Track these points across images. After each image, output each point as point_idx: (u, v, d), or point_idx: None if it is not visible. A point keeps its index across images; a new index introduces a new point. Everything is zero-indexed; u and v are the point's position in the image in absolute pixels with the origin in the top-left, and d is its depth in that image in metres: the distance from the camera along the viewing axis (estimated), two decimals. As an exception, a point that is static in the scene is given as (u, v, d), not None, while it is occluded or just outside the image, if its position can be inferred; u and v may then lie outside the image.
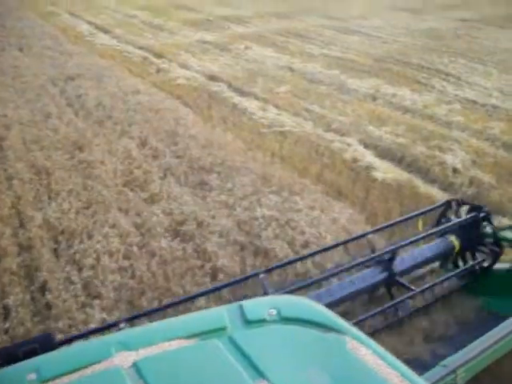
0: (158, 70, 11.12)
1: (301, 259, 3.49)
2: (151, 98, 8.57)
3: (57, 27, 15.74)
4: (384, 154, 7.02)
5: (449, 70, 11.52)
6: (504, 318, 2.81)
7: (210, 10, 19.35)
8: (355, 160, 6.72)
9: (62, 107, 8.17)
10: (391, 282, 3.30)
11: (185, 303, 2.95)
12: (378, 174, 6.28)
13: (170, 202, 5.23)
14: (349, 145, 7.26)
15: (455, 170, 6.63)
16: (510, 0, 24.90)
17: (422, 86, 10.37)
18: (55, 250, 4.55)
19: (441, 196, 5.67)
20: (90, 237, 4.65)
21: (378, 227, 3.68)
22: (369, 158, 6.83)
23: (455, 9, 21.01)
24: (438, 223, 3.76)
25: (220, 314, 1.30)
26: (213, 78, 10.48)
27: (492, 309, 3.41)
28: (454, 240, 3.61)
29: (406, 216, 3.84)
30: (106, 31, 15.44)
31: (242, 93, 9.55)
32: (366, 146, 7.23)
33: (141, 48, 13.16)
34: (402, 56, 12.76)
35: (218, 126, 7.74)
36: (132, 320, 2.65)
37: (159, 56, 12.31)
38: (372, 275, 3.26)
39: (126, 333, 1.52)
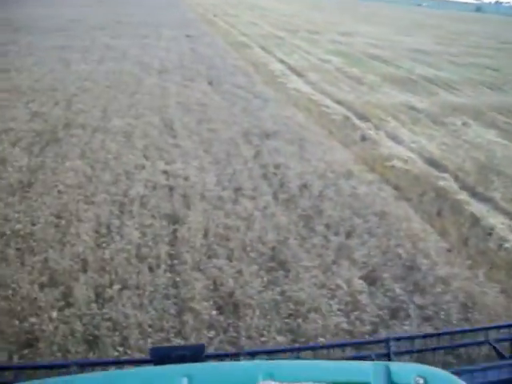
0: (364, 138, 8.80)
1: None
2: (369, 188, 6.21)
3: (248, 61, 14.12)
4: None
5: None
6: None
7: (409, 66, 16.86)
8: None
9: (256, 180, 6.08)
10: None
11: None
12: None
13: None
14: None
15: None
16: None
17: None
18: None
19: None
20: None
21: None
22: None
23: None
24: None
25: (366, 369, 1.17)
26: (434, 163, 7.94)
27: None
28: None
29: None
30: (299, 74, 13.54)
31: (475, 195, 6.88)
32: None
33: (339, 103, 10.97)
34: None
35: (459, 251, 5.22)
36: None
37: (363, 118, 10.01)
38: None
39: (275, 363, 1.27)
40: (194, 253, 4.43)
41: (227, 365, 1.41)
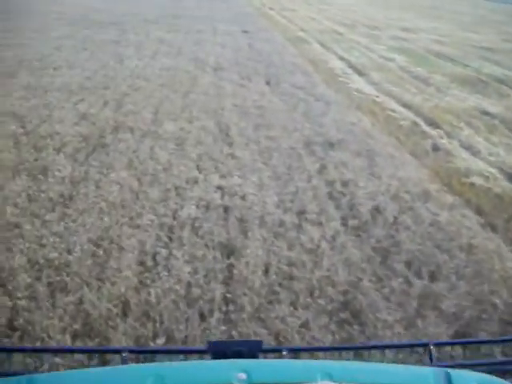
0: (436, 148, 7.87)
1: None
2: (451, 215, 5.34)
3: (307, 59, 13.30)
4: None
5: None
6: None
7: (477, 65, 15.61)
8: None
9: (321, 200, 5.33)
10: None
11: None
12: None
13: None
14: None
15: None
16: None
17: None
18: None
19: None
20: None
21: None
22: None
23: None
24: None
25: (426, 374, 1.18)
26: (518, 180, 6.99)
27: None
28: None
29: None
30: (360, 73, 12.63)
31: None
32: None
33: (406, 106, 10.04)
34: None
35: None
36: None
37: (433, 124, 9.06)
38: None
39: (334, 363, 1.30)
40: (253, 296, 3.73)
41: (286, 362, 1.34)
